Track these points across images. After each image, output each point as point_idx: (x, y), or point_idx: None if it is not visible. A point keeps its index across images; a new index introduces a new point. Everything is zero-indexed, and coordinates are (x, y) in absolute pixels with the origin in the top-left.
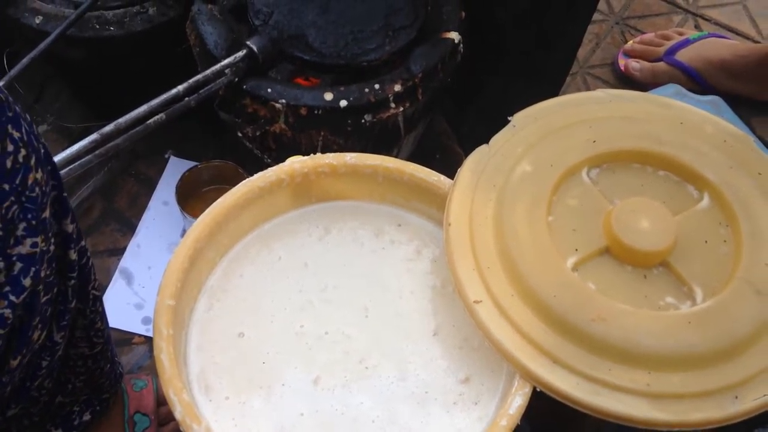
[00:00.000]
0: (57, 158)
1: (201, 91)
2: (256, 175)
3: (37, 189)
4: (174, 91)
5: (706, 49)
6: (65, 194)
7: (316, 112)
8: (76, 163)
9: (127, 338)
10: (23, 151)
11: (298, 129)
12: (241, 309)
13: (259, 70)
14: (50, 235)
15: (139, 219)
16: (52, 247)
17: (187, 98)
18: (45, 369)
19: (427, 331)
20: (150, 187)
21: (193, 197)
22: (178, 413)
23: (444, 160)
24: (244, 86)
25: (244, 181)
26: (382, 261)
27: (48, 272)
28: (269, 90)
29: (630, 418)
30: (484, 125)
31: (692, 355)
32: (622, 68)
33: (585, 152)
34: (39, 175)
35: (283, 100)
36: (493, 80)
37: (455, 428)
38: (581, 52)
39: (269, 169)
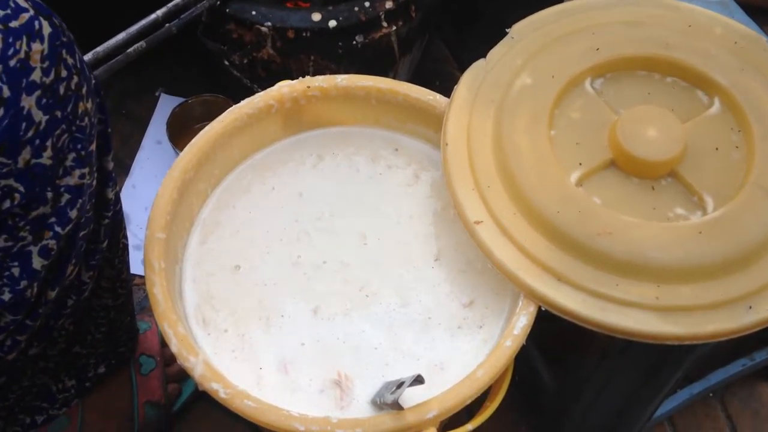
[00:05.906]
0: None
1: (182, 16)
2: (243, 102)
3: (86, 119)
4: (153, 16)
5: None
6: (110, 130)
7: (304, 34)
8: None
9: None
10: (76, 79)
11: (286, 54)
12: (235, 241)
13: None
14: (94, 169)
15: (132, 159)
16: (94, 182)
17: (167, 24)
18: (69, 308)
19: (428, 256)
20: (142, 126)
21: (185, 134)
22: (174, 346)
23: (444, 86)
24: (227, 10)
25: (230, 108)
26: (380, 187)
27: (88, 207)
28: (253, 12)
29: (639, 332)
30: (486, 49)
31: (703, 266)
32: None
33: (588, 61)
34: (89, 105)
35: (269, 23)
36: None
37: (460, 351)
38: None
39: (257, 95)
